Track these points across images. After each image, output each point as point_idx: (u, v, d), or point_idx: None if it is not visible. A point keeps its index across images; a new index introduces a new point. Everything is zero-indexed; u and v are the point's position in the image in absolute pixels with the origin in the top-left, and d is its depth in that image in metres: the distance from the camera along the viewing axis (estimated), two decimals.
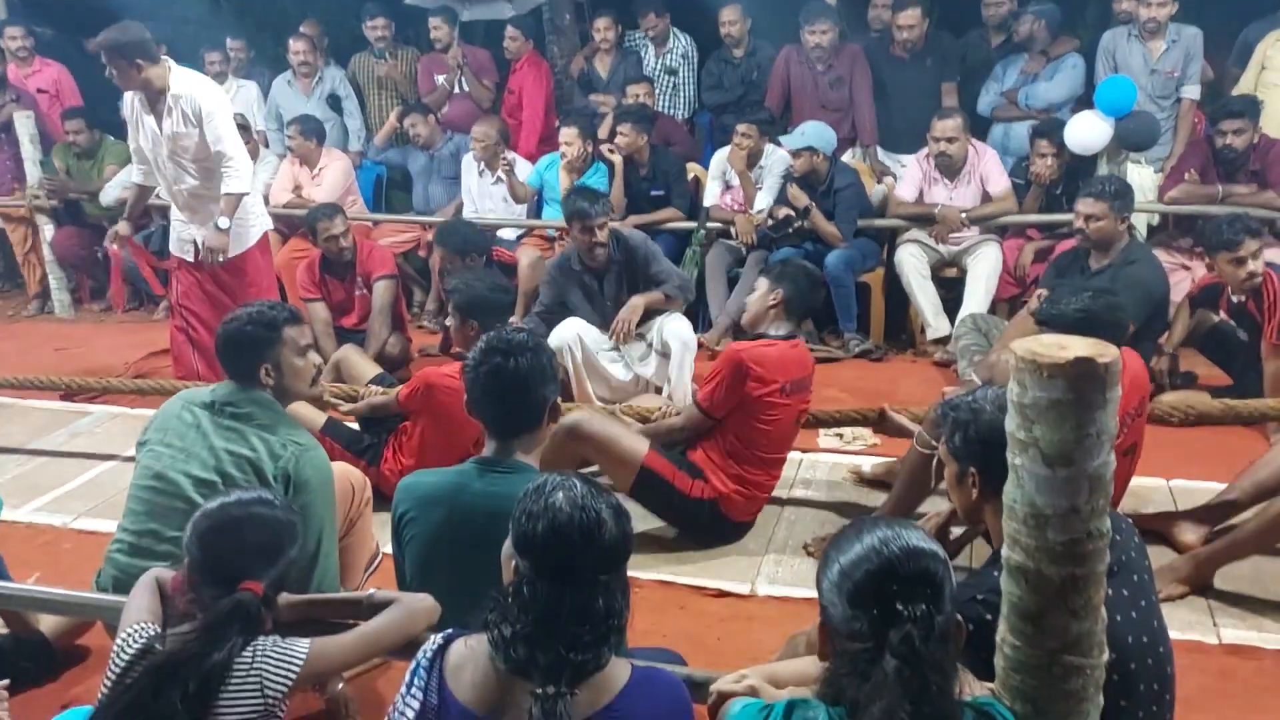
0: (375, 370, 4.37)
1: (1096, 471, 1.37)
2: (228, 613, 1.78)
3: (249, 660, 1.77)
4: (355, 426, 3.92)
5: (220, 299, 4.61)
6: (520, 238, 5.96)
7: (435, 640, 1.64)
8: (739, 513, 3.41)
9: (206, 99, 4.38)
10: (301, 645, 1.82)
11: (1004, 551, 1.46)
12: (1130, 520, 2.00)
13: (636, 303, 4.47)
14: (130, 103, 4.54)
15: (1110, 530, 1.42)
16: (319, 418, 3.70)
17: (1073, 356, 1.33)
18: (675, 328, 4.47)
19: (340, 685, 2.65)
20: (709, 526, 3.42)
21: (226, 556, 1.86)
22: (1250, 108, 5.07)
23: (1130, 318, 3.45)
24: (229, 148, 4.41)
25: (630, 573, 1.63)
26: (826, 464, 4.07)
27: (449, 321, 3.80)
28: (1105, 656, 1.47)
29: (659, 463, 3.33)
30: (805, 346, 3.53)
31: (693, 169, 6.10)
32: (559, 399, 2.28)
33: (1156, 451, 3.47)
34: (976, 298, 5.18)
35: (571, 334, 4.42)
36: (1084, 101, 5.63)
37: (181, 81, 4.38)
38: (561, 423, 3.24)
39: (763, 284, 3.48)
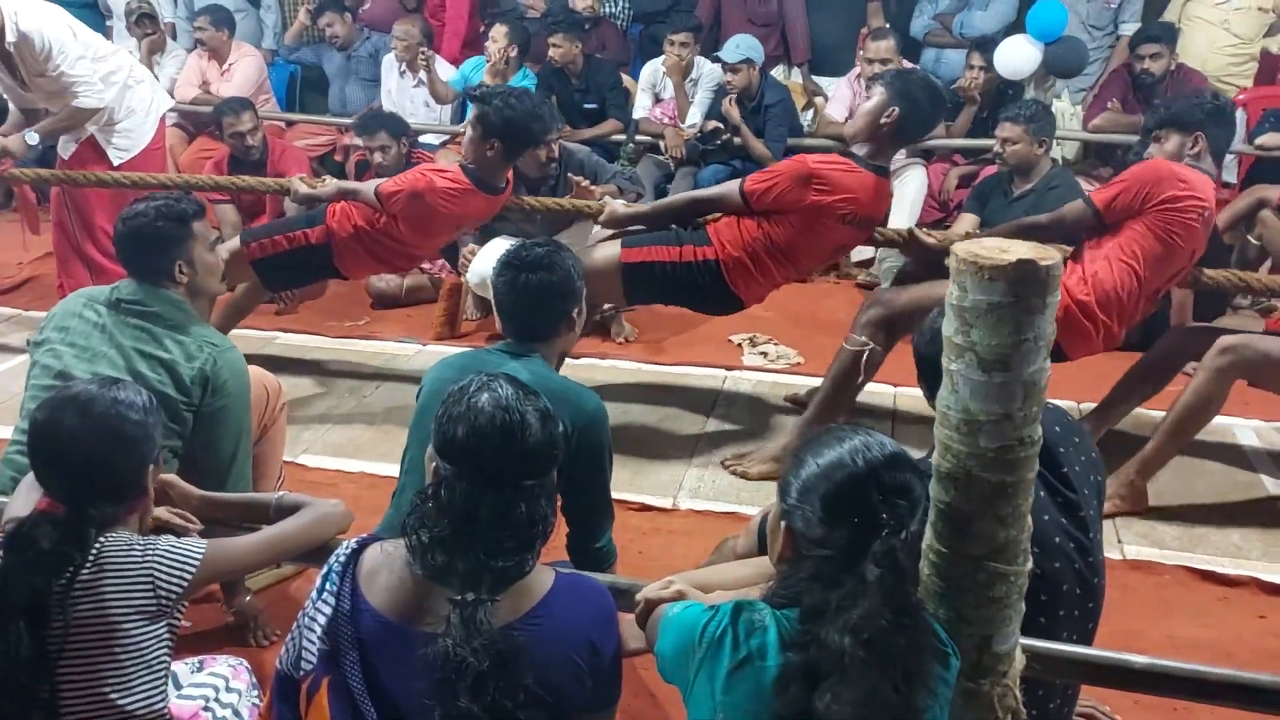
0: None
1: (1031, 378, 1.35)
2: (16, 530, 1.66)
3: (140, 557, 1.67)
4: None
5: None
6: (444, 144, 5.75)
7: (349, 545, 1.56)
8: (739, 283, 3.27)
9: (31, 26, 3.86)
10: (198, 546, 1.73)
11: (934, 459, 1.44)
12: (1087, 427, 2.02)
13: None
14: None
15: (1040, 438, 1.41)
16: (235, 238, 3.73)
17: (1014, 259, 1.30)
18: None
19: (249, 597, 2.58)
20: (708, 289, 3.29)
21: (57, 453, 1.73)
22: (1167, 33, 5.10)
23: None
24: (67, 65, 3.96)
25: None
26: (750, 381, 4.08)
27: (465, 127, 3.49)
28: (1029, 565, 1.47)
29: (638, 253, 3.26)
30: (890, 187, 3.33)
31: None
32: (577, 311, 2.28)
33: (1064, 375, 3.53)
34: (900, 221, 5.15)
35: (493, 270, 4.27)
36: (1015, 28, 5.61)
37: (11, 22, 3.85)
38: None
39: (880, 94, 3.14)
